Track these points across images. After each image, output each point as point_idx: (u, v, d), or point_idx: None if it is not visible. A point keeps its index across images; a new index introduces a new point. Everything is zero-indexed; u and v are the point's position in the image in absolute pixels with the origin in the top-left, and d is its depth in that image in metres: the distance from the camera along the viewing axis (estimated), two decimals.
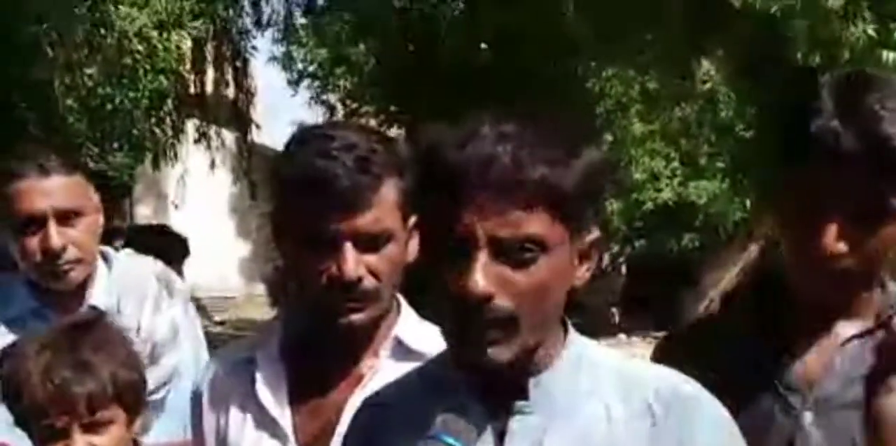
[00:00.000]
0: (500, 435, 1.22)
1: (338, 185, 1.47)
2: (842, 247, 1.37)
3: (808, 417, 1.43)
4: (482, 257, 1.15)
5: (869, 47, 7.12)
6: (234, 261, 18.08)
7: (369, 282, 1.51)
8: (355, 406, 1.51)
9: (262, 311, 10.02)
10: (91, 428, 1.65)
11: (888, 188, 1.36)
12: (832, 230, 1.37)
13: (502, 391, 1.23)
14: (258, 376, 1.59)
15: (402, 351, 1.60)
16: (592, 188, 1.19)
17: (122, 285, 2.31)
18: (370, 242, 1.51)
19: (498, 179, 1.14)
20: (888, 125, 1.34)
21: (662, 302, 12.29)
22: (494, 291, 1.16)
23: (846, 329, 1.47)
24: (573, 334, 1.28)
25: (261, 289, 9.85)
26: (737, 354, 1.45)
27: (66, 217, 2.17)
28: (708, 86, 10.45)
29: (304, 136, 1.59)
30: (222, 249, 16.57)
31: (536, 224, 1.16)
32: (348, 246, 1.49)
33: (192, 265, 5.24)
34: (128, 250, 2.54)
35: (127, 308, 2.29)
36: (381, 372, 1.58)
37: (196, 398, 1.69)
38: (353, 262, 1.49)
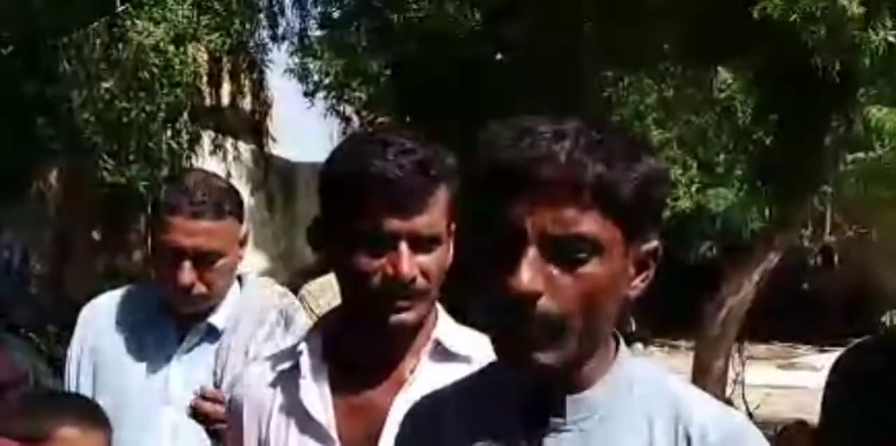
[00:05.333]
0: None
1: (399, 186, 1.50)
2: None
3: None
4: (531, 254, 1.13)
5: (889, 54, 7.06)
6: (251, 272, 18.13)
7: (421, 281, 1.55)
8: (399, 408, 1.53)
9: None
10: None
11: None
12: None
13: (542, 405, 1.21)
14: (302, 382, 1.61)
15: (441, 353, 1.63)
16: (651, 194, 1.17)
17: (244, 308, 2.40)
18: (423, 244, 1.54)
19: (553, 176, 1.12)
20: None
21: (680, 310, 12.23)
22: (542, 290, 1.12)
23: None
24: (624, 353, 1.25)
25: None
26: None
27: (204, 256, 2.26)
28: (725, 94, 10.39)
29: (358, 141, 1.63)
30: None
31: (590, 223, 1.13)
32: (404, 246, 1.52)
33: None
34: (265, 278, 2.64)
35: (243, 330, 2.38)
36: (421, 373, 1.60)
37: (237, 406, 1.69)
38: (409, 262, 1.52)
